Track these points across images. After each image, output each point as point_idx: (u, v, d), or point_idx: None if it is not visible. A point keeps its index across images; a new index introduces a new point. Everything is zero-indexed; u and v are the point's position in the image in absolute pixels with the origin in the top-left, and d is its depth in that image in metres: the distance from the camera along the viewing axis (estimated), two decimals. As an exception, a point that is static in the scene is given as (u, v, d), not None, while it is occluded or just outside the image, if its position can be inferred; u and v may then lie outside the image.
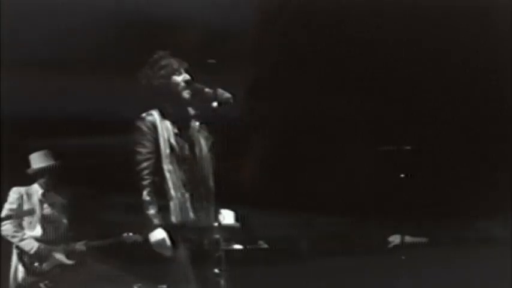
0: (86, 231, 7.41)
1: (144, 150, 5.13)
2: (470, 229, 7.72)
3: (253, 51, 8.11)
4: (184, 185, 5.12)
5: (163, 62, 5.20)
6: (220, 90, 5.09)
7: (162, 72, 5.18)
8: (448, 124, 8.07)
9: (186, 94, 5.18)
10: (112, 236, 7.51)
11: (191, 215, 5.09)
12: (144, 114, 5.16)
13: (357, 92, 8.18)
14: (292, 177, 8.24)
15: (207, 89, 5.10)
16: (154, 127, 5.13)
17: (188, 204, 5.10)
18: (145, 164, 5.11)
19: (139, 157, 5.13)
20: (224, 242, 7.27)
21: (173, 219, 5.06)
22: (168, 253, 5.04)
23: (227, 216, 7.66)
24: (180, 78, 5.18)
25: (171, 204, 5.07)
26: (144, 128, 5.12)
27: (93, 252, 7.33)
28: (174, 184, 5.10)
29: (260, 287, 7.35)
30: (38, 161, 7.34)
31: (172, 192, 5.09)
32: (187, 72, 5.20)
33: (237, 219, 7.67)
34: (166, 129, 5.15)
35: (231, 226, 7.61)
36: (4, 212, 7.10)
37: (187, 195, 5.11)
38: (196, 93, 5.15)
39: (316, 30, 8.04)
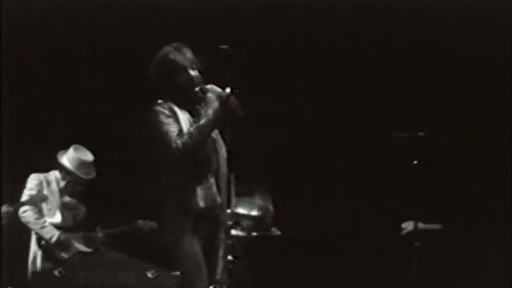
0: (102, 218, 7.42)
1: (174, 128, 4.96)
2: (484, 216, 7.70)
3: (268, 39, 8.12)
4: (207, 170, 5.04)
5: (170, 58, 5.09)
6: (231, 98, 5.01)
7: (170, 69, 5.08)
8: (462, 110, 8.04)
9: (195, 94, 5.10)
10: (127, 223, 7.51)
11: (218, 199, 5.03)
12: (160, 101, 5.08)
13: (371, 78, 8.16)
14: (305, 163, 8.23)
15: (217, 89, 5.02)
16: (174, 113, 5.04)
17: (214, 189, 5.03)
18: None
19: (170, 131, 4.96)
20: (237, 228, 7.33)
21: (201, 204, 4.99)
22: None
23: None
24: (189, 75, 5.10)
25: (198, 189, 4.99)
26: (166, 111, 5.02)
27: (109, 239, 7.34)
28: (197, 169, 5.02)
29: (273, 274, 7.35)
30: (80, 168, 7.19)
31: (199, 175, 5.01)
32: (196, 66, 5.11)
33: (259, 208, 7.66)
34: (185, 116, 5.07)
35: (252, 215, 7.60)
36: (24, 198, 7.05)
37: (212, 180, 5.04)
38: (203, 89, 5.07)
39: (335, 17, 8.03)
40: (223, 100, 4.95)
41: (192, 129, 4.97)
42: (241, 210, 7.58)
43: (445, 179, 7.90)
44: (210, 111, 4.99)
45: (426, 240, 6.81)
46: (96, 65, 8.08)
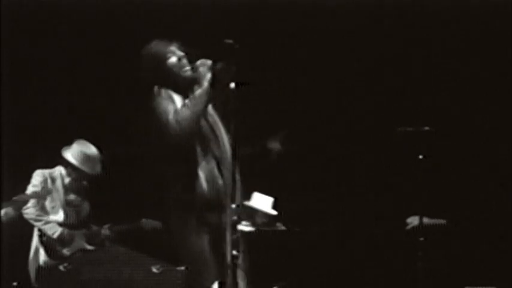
0: (106, 216, 7.42)
1: (170, 107, 4.96)
2: (489, 210, 7.70)
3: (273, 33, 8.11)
4: (207, 154, 5.03)
5: (153, 51, 5.15)
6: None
7: (156, 60, 5.12)
8: (467, 105, 8.03)
9: (185, 72, 5.13)
10: (131, 221, 7.51)
11: (220, 182, 5.01)
12: (156, 88, 5.08)
13: (375, 72, 8.15)
14: (309, 158, 8.23)
15: (200, 62, 5.04)
16: (170, 96, 5.05)
17: (216, 171, 5.03)
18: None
19: (167, 109, 4.94)
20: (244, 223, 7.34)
21: (204, 185, 4.97)
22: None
23: (264, 202, 7.65)
24: (174, 58, 5.13)
25: (199, 171, 4.99)
26: (164, 95, 5.04)
27: (114, 236, 7.34)
28: (200, 151, 5.00)
29: (278, 269, 7.35)
30: (86, 162, 7.15)
31: (200, 158, 5.00)
32: (178, 48, 5.14)
33: (274, 206, 7.66)
34: (181, 100, 5.07)
35: (265, 213, 7.61)
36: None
37: (214, 162, 5.04)
38: (194, 67, 5.09)
39: (341, 12, 8.03)
40: (215, 71, 4.98)
41: (187, 101, 5.00)
42: (256, 205, 7.60)
43: (450, 174, 7.89)
44: (205, 83, 5.02)
45: (431, 235, 6.81)
46: (97, 61, 8.08)
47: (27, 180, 7.14)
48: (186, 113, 4.95)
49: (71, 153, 7.14)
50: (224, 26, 7.30)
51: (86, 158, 7.12)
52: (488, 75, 7.99)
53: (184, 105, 4.99)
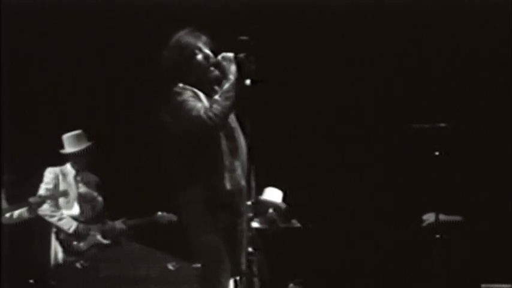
0: (120, 210, 7.44)
1: (200, 104, 4.84)
2: (505, 207, 7.68)
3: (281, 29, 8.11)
4: (232, 154, 4.99)
5: (182, 42, 4.99)
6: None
7: (185, 50, 4.98)
8: (483, 102, 8.01)
9: (211, 73, 5.04)
10: (146, 215, 7.53)
11: (242, 182, 4.96)
12: (181, 85, 4.99)
13: (392, 68, 8.14)
14: (325, 155, 8.22)
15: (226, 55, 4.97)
16: (196, 94, 4.98)
17: (239, 171, 4.97)
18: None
19: (197, 106, 4.83)
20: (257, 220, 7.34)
21: (227, 186, 4.86)
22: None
23: (274, 195, 7.67)
24: (201, 56, 5.04)
25: (224, 172, 4.86)
26: (189, 92, 4.92)
27: (130, 230, 7.36)
28: (223, 151, 4.95)
29: (293, 266, 7.35)
30: (71, 143, 7.29)
31: (222, 159, 4.95)
32: (207, 46, 5.05)
33: (284, 199, 7.67)
34: (206, 99, 5.01)
35: (277, 205, 7.62)
36: (41, 191, 7.10)
37: (237, 162, 5.01)
38: (219, 68, 5.02)
39: (356, 8, 8.02)
40: (239, 62, 4.93)
41: (216, 97, 4.93)
42: (266, 197, 7.61)
43: (467, 171, 7.87)
44: (231, 76, 4.93)
45: (447, 232, 6.79)
46: (97, 61, 8.11)
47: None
48: (218, 109, 4.89)
49: (64, 145, 7.28)
50: (230, 24, 7.29)
51: (69, 139, 7.25)
52: (505, 72, 7.97)
53: (214, 101, 4.92)
